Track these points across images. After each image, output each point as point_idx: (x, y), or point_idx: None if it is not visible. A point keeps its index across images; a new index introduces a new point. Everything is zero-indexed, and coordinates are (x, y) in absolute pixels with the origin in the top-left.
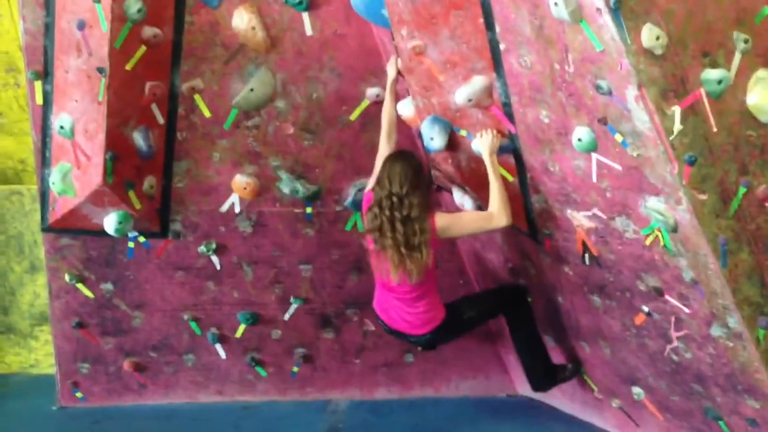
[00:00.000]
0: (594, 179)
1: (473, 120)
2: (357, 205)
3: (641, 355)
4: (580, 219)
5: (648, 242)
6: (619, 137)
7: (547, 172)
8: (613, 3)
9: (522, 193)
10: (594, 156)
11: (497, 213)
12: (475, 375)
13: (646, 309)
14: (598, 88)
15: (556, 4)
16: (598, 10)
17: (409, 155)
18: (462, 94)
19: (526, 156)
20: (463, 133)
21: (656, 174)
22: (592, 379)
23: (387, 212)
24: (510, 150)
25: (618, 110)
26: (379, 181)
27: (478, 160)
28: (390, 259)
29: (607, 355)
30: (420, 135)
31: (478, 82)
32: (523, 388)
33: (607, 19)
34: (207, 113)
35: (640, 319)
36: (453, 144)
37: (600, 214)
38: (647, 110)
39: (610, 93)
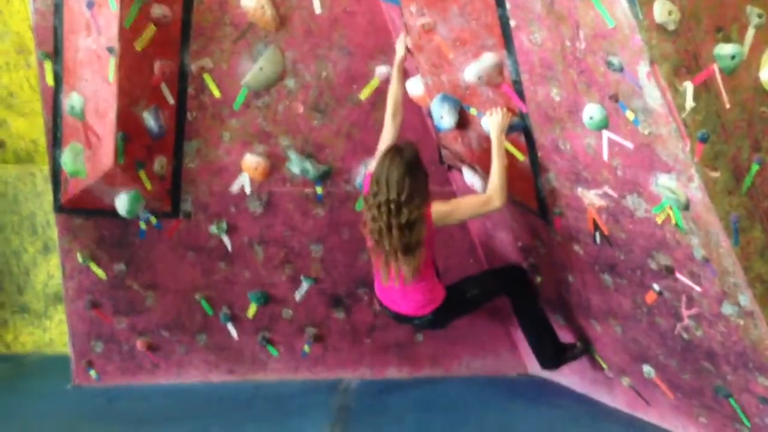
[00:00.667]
0: (605, 157)
1: (483, 98)
2: None
3: (652, 333)
4: (591, 197)
5: (659, 220)
6: (630, 114)
7: (558, 150)
8: None
9: (532, 172)
10: (605, 134)
11: (494, 196)
12: (485, 354)
13: (657, 287)
14: (609, 64)
15: None
16: None
17: (406, 151)
18: (472, 71)
19: (537, 134)
20: (473, 111)
21: (668, 151)
22: (603, 357)
23: (385, 218)
24: (520, 128)
25: (629, 87)
26: (377, 180)
27: (488, 139)
28: (384, 263)
29: (617, 334)
30: (430, 114)
31: (488, 59)
32: (533, 367)
33: None
34: (217, 93)
35: (651, 297)
36: (463, 122)
37: (611, 192)
38: (659, 87)
39: (621, 69)
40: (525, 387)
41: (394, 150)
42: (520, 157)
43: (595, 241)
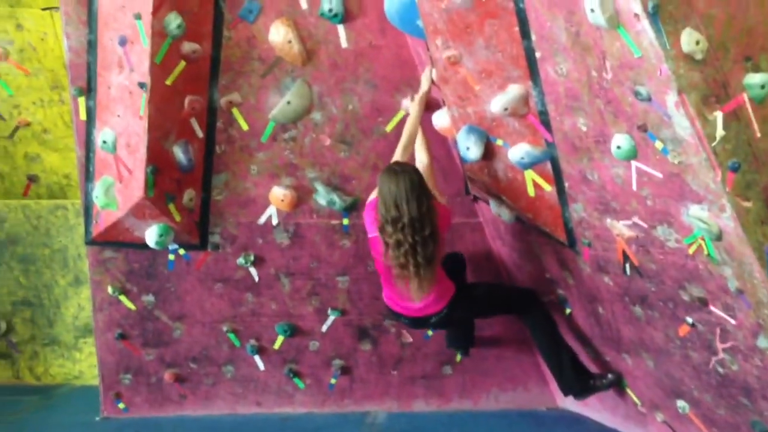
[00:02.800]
0: (634, 187)
1: (509, 129)
2: None
3: (686, 367)
4: (620, 228)
5: (691, 251)
6: (659, 144)
7: (586, 180)
8: (651, 8)
9: (560, 202)
10: (634, 163)
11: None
12: (514, 387)
13: (690, 320)
14: (637, 94)
15: (592, 10)
16: (636, 15)
17: (401, 166)
18: (498, 103)
19: (564, 165)
20: (499, 142)
21: (698, 181)
22: (635, 392)
23: (410, 238)
24: (547, 158)
25: (658, 116)
26: (395, 204)
27: (515, 170)
28: (413, 280)
29: (650, 368)
30: (456, 145)
31: (513, 90)
32: (563, 400)
33: (645, 24)
34: (245, 126)
35: (684, 330)
36: (489, 153)
37: (640, 222)
38: (688, 116)
39: (649, 99)
40: (555, 422)
41: (392, 171)
42: (547, 187)
43: (624, 272)
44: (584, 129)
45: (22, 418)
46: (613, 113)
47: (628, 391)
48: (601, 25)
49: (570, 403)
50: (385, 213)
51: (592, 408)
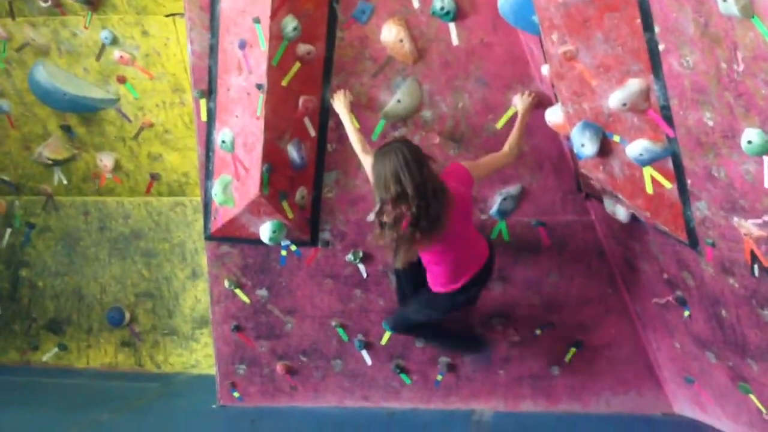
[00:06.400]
0: (766, 184)
1: (627, 124)
2: (502, 213)
3: None
4: (749, 227)
5: None
6: None
7: (711, 177)
8: None
9: (681, 200)
10: (766, 159)
11: (512, 150)
12: (626, 390)
13: None
14: None
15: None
16: None
17: (390, 146)
18: (616, 98)
19: (686, 161)
20: (616, 138)
21: None
22: (760, 399)
23: (413, 208)
24: (668, 155)
25: None
26: (386, 186)
27: (633, 167)
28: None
29: None
30: (568, 141)
31: (634, 85)
32: (680, 406)
33: None
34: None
35: None
36: (605, 150)
37: None
38: None
39: None
40: (671, 428)
41: (380, 152)
42: (668, 184)
43: (752, 273)
44: (711, 123)
45: (145, 404)
46: (744, 107)
47: (753, 397)
48: (734, 15)
49: (688, 410)
50: (385, 193)
51: (711, 415)
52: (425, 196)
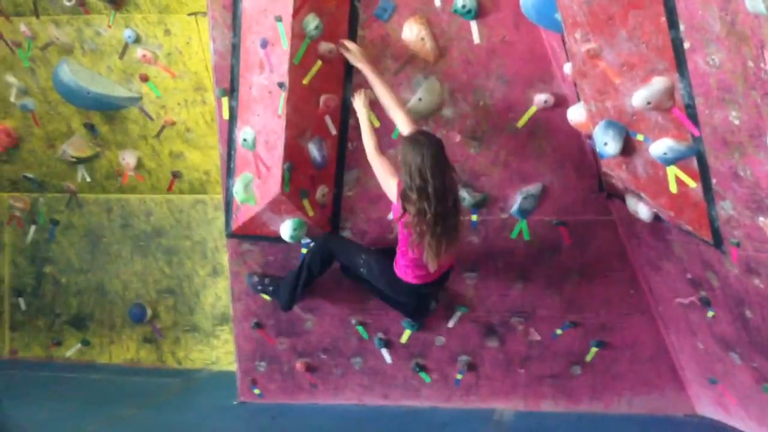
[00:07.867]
0: None
1: (651, 123)
2: (523, 212)
3: None
4: None
5: None
6: None
7: (736, 177)
8: None
9: (705, 199)
10: None
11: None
12: (648, 391)
13: None
14: None
15: None
16: None
17: (429, 140)
18: (640, 96)
19: (711, 160)
20: (639, 137)
21: None
22: None
23: (433, 209)
24: (693, 154)
25: None
26: (410, 174)
27: (656, 166)
28: (428, 251)
29: None
30: (590, 140)
31: (658, 83)
32: (702, 407)
33: None
34: (376, 123)
35: None
36: (628, 149)
37: None
38: None
39: None
40: (693, 429)
41: (417, 141)
42: (692, 183)
43: None
44: (737, 122)
45: (166, 400)
46: None
47: None
48: (762, 13)
49: (710, 411)
50: (410, 181)
51: (735, 416)
52: (443, 203)
